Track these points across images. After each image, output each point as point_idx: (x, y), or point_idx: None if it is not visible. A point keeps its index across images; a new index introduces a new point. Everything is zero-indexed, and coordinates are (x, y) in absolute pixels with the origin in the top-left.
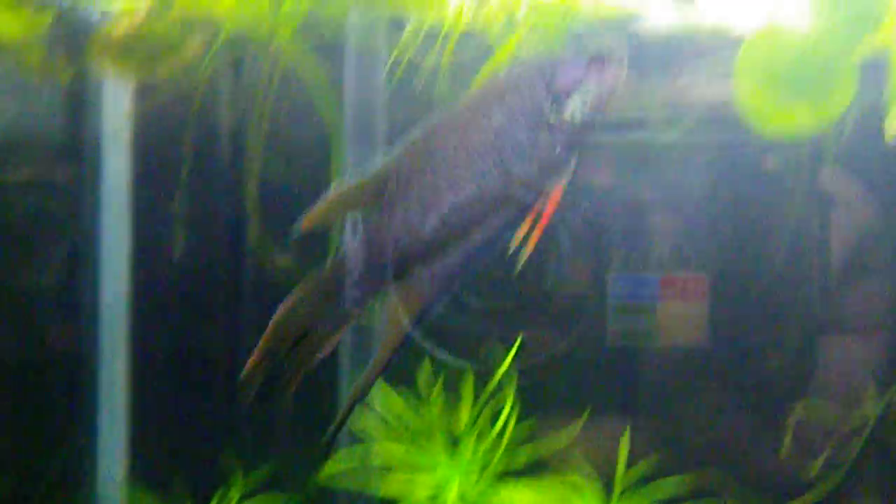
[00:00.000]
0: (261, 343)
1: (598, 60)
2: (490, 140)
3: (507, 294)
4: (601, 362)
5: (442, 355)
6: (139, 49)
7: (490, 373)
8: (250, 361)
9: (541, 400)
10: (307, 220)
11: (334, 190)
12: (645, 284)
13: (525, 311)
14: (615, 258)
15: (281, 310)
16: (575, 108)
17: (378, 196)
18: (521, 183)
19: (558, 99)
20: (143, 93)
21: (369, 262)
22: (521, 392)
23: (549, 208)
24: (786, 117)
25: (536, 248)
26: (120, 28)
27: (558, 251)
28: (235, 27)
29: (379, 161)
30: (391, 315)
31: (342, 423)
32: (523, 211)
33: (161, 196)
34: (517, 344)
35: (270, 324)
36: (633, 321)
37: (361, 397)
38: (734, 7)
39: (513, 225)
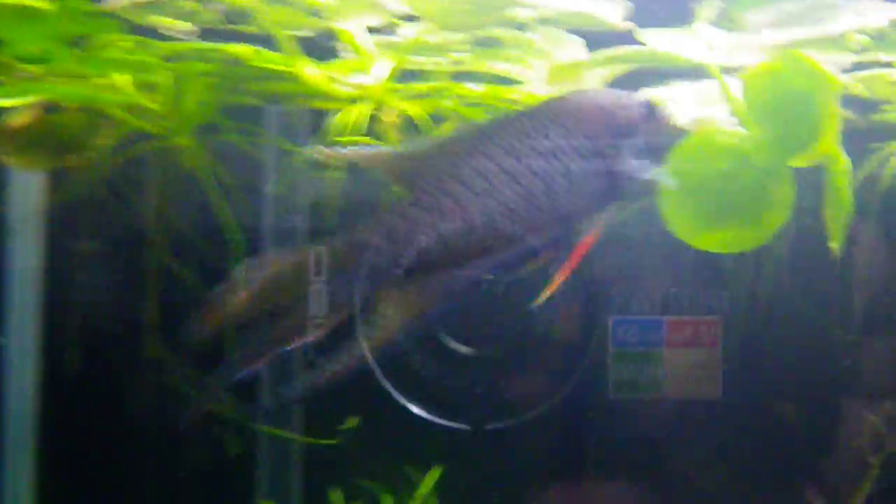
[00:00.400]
0: (241, 296)
1: (657, 113)
2: (541, 160)
3: (494, 341)
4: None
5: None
6: (39, 143)
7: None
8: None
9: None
10: (331, 152)
11: (369, 148)
12: (650, 329)
13: (515, 360)
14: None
15: (274, 267)
16: (630, 152)
17: (408, 174)
18: (562, 211)
19: (617, 138)
20: (53, 183)
21: (384, 252)
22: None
23: (578, 254)
24: (716, 236)
25: (527, 291)
26: (19, 121)
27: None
28: (135, 125)
29: (419, 141)
30: (389, 311)
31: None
32: (549, 243)
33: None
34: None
35: (259, 279)
36: (635, 370)
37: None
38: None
39: (533, 254)
